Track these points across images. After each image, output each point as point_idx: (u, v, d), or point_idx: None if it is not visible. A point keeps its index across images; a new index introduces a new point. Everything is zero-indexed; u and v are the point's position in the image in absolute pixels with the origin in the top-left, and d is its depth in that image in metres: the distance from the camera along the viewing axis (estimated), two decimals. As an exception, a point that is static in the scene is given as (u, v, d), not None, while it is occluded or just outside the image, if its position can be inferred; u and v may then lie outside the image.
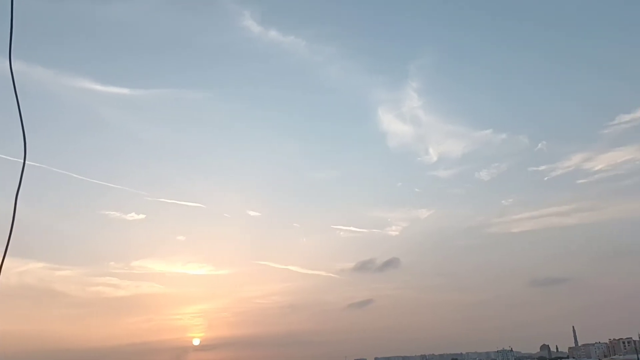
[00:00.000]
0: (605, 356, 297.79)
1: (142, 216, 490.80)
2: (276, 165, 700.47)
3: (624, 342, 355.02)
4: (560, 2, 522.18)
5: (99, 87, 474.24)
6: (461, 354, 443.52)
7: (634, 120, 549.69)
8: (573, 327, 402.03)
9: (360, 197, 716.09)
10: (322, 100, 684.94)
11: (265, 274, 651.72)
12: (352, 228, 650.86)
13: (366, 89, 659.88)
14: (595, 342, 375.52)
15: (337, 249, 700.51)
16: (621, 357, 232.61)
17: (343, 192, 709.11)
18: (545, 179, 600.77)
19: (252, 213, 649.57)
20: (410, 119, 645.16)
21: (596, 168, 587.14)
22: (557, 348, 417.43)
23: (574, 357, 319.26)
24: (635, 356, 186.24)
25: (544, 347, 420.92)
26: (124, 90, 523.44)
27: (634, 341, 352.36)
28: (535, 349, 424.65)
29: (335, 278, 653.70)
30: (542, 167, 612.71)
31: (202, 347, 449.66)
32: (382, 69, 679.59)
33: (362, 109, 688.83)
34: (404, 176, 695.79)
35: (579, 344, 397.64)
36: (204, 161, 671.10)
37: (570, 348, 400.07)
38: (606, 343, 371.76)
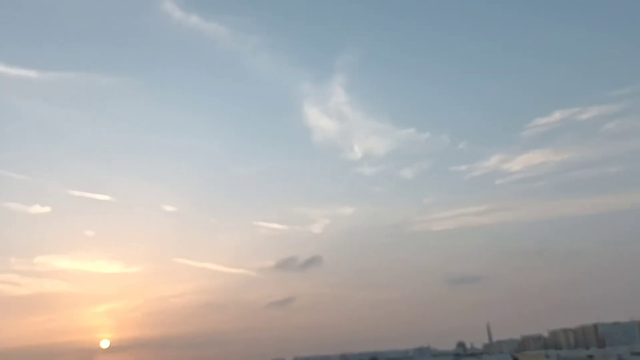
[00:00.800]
0: (517, 352, 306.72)
1: (47, 209, 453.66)
2: (195, 158, 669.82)
3: (534, 339, 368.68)
4: (481, 12, 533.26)
5: (3, 68, 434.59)
6: (380, 351, 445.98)
7: (549, 124, 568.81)
8: (488, 324, 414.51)
9: (282, 193, 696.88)
10: (246, 92, 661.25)
11: (181, 271, 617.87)
12: (273, 225, 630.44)
13: (291, 82, 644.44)
14: (508, 339, 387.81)
15: (257, 246, 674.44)
16: (532, 352, 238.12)
17: (265, 187, 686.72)
18: (465, 178, 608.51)
19: (167, 208, 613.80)
20: (335, 115, 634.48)
21: (513, 169, 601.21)
22: (472, 344, 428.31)
23: (488, 354, 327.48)
24: (544, 352, 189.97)
25: (460, 344, 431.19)
26: (31, 73, 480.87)
27: (544, 337, 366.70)
28: (451, 346, 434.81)
29: (255, 276, 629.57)
30: (463, 167, 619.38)
31: (111, 349, 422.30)
32: (309, 62, 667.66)
33: (286, 102, 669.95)
34: (328, 172, 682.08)
35: (493, 341, 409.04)
36: (116, 151, 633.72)
37: (484, 344, 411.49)
38: (518, 339, 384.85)
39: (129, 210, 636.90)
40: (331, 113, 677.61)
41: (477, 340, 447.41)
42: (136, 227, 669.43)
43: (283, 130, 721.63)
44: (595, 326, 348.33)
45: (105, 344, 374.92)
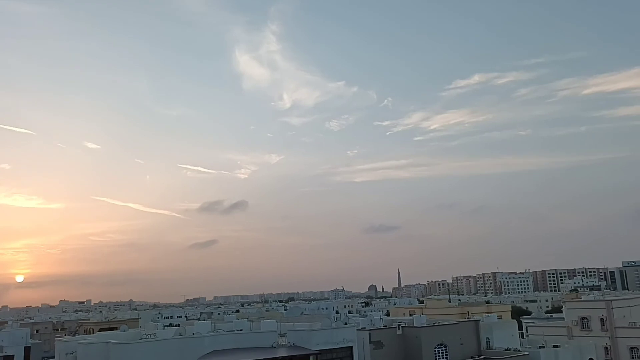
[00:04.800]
0: (423, 296, 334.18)
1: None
2: (120, 96, 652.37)
3: (439, 284, 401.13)
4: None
5: None
6: (297, 293, 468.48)
7: (468, 86, 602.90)
8: (398, 270, 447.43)
9: (210, 138, 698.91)
10: (175, 32, 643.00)
11: (103, 210, 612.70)
12: (199, 168, 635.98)
13: (223, 26, 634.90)
14: (416, 284, 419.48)
15: (182, 189, 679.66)
16: (436, 297, 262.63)
17: (192, 130, 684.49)
18: (388, 133, 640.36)
19: (90, 145, 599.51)
20: (267, 63, 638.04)
21: (431, 127, 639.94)
22: (382, 288, 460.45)
23: (396, 297, 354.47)
24: (447, 296, 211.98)
25: (372, 287, 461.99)
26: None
27: (448, 283, 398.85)
28: (364, 289, 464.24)
29: (179, 218, 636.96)
30: (386, 123, 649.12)
31: (26, 284, 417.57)
32: (242, 7, 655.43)
33: (217, 46, 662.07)
34: (256, 120, 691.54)
35: (402, 285, 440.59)
36: (36, 83, 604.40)
37: (394, 288, 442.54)
38: (424, 284, 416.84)
39: (49, 145, 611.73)
40: (262, 61, 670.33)
41: (387, 285, 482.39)
42: (57, 162, 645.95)
43: (213, 74, 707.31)
44: (494, 275, 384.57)
45: (19, 279, 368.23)
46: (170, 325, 76.57)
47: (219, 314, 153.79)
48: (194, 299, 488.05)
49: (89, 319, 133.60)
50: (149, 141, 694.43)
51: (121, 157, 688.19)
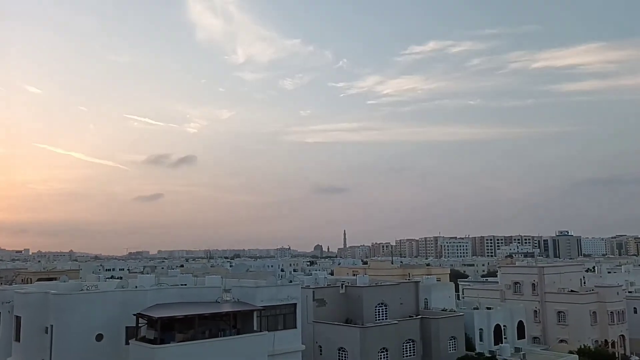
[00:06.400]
0: (367, 257, 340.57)
1: None
2: (66, 38, 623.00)
3: (383, 246, 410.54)
4: None
5: None
6: (243, 250, 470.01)
7: (423, 52, 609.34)
8: (344, 231, 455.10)
9: (159, 88, 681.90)
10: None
11: (44, 157, 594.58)
12: (147, 119, 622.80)
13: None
14: (361, 245, 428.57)
15: (128, 139, 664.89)
16: (379, 258, 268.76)
17: (141, 80, 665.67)
18: (341, 95, 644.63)
19: (31, 89, 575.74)
20: (222, 14, 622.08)
21: (385, 92, 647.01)
22: (328, 248, 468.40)
23: (341, 257, 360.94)
24: (390, 258, 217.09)
25: (318, 247, 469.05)
26: None
27: (391, 245, 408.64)
28: (310, 249, 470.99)
29: (124, 169, 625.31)
30: (340, 84, 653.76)
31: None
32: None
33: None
34: (208, 73, 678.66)
35: (347, 246, 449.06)
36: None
37: (339, 249, 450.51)
38: (369, 246, 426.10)
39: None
40: (217, 11, 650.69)
41: (333, 245, 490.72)
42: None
43: (164, 22, 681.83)
44: (435, 239, 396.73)
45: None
46: (112, 277, 75.69)
47: (162, 268, 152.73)
48: (137, 252, 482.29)
49: (26, 269, 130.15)
50: (95, 88, 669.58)
51: (64, 103, 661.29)
